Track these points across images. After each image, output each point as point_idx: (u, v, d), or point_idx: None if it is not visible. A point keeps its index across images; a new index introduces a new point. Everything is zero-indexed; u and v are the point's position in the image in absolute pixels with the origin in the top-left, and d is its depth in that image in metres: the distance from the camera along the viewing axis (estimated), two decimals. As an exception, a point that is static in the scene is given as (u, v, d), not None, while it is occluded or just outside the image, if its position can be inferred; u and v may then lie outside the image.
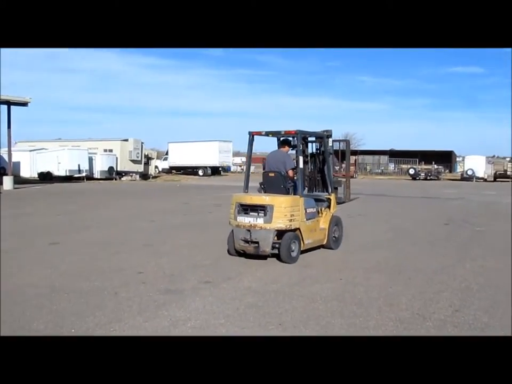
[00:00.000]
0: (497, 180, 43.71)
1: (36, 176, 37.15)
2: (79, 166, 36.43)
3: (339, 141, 10.69)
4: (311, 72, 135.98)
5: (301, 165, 8.51)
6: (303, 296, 6.20)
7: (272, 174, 8.64)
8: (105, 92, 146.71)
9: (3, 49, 15.72)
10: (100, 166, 38.58)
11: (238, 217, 8.19)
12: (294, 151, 9.02)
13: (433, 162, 50.43)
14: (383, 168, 60.78)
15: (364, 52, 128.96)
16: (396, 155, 61.12)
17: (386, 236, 11.28)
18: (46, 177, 35.92)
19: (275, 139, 9.44)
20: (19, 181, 30.61)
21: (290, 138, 8.97)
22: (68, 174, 35.90)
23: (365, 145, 73.10)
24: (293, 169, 8.72)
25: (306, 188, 9.24)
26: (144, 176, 41.86)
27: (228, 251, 8.58)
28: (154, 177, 44.40)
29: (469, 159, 46.54)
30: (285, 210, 7.90)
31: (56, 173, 36.33)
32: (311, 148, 9.85)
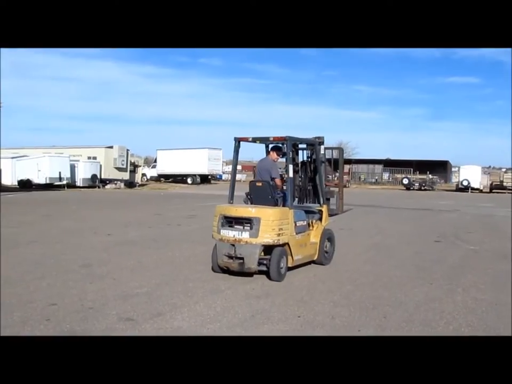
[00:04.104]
0: (493, 191, 42.33)
1: (17, 184, 35.69)
2: (60, 173, 35.00)
3: (332, 148, 9.63)
4: (308, 81, 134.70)
5: (291, 174, 7.80)
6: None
7: (260, 184, 7.97)
8: (101, 100, 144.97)
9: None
10: (83, 174, 37.13)
11: (221, 230, 7.46)
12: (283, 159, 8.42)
13: (428, 172, 49.08)
14: (377, 177, 59.38)
15: (360, 61, 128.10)
16: (391, 164, 59.72)
17: (366, 255, 9.86)
18: (25, 185, 34.45)
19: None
20: (-5, 189, 29.17)
21: (280, 145, 8.31)
22: (48, 182, 34.46)
23: (359, 154, 71.72)
24: (280, 178, 8.11)
25: (297, 199, 8.56)
26: (130, 184, 40.35)
27: (212, 268, 7.82)
28: (141, 185, 42.92)
29: (464, 169, 45.00)
30: (272, 223, 7.18)
31: (36, 180, 34.91)
32: (302, 156, 9.06)
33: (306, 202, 8.89)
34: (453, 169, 62.17)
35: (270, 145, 8.43)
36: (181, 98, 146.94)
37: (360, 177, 59.55)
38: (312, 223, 8.25)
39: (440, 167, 58.93)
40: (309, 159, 8.89)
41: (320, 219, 8.45)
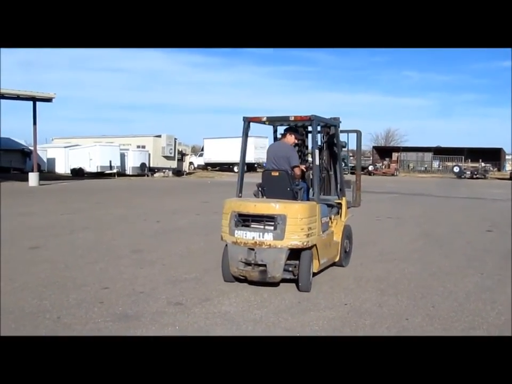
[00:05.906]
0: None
1: (70, 172, 36.97)
2: (110, 162, 35.98)
3: (348, 131, 7.97)
4: (356, 68, 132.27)
5: (317, 161, 6.64)
6: (288, 329, 4.83)
7: (276, 174, 6.64)
8: (150, 90, 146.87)
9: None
10: (132, 162, 38.01)
11: (235, 231, 6.14)
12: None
13: (480, 160, 47.63)
14: (426, 165, 58.04)
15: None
16: (441, 152, 58.20)
17: (415, 244, 9.70)
18: (78, 174, 35.67)
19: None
20: (49, 177, 30.30)
21: (297, 128, 7.20)
22: (99, 170, 35.53)
23: (408, 142, 70.39)
24: (303, 166, 7.06)
25: (310, 190, 7.22)
26: (178, 172, 41.05)
27: (224, 277, 6.50)
28: (189, 173, 43.54)
29: (519, 157, 43.52)
30: (301, 222, 5.90)
31: (88, 169, 36.05)
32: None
33: (321, 194, 7.46)
34: (506, 157, 60.10)
35: (280, 127, 7.36)
36: (228, 87, 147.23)
37: (409, 166, 58.40)
38: (331, 218, 7.15)
39: (493, 155, 57.00)
40: (324, 144, 7.70)
41: (339, 213, 7.38)
